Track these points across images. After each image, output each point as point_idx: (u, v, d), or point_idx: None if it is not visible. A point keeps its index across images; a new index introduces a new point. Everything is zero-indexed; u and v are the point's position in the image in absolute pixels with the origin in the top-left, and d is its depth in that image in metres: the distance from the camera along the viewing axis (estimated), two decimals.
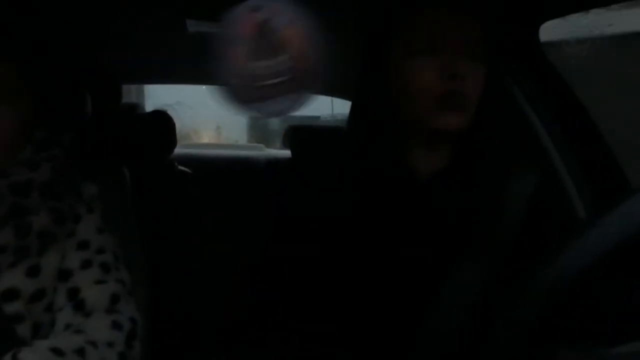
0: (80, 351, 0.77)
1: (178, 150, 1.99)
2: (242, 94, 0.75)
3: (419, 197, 0.80)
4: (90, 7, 1.24)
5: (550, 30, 1.16)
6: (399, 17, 0.81)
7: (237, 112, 0.78)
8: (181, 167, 1.94)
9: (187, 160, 2.05)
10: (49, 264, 0.83)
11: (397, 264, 0.77)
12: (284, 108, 0.75)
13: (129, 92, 3.26)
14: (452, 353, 0.72)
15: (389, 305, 0.76)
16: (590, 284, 0.66)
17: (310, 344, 0.78)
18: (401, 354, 0.74)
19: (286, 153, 2.06)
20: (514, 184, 0.80)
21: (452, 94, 0.76)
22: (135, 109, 1.90)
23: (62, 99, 1.14)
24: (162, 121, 1.86)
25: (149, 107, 2.71)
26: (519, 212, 0.78)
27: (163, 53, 1.76)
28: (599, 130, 1.18)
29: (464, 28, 0.78)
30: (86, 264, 0.86)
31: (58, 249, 0.85)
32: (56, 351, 0.76)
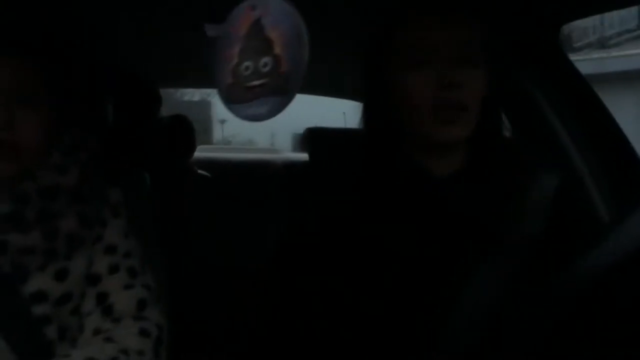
0: None
1: (197, 154, 2.01)
2: (234, 94, 0.75)
3: (436, 199, 0.79)
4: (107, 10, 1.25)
5: None
6: (391, 30, 0.81)
7: (233, 114, 0.78)
8: (201, 171, 1.95)
9: (206, 163, 2.07)
10: (77, 268, 0.85)
11: (415, 265, 0.77)
12: (260, 113, 0.75)
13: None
14: (474, 353, 0.72)
15: (410, 306, 0.76)
16: (612, 285, 0.66)
17: (328, 343, 0.78)
18: (423, 354, 0.74)
19: (304, 156, 2.07)
20: (536, 185, 0.80)
21: (448, 105, 0.76)
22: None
23: (85, 103, 1.16)
24: (182, 125, 1.88)
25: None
26: (540, 213, 0.78)
27: (177, 57, 1.78)
28: (621, 131, 1.16)
29: (457, 36, 0.77)
30: (114, 269, 0.87)
31: (85, 253, 0.86)
32: None
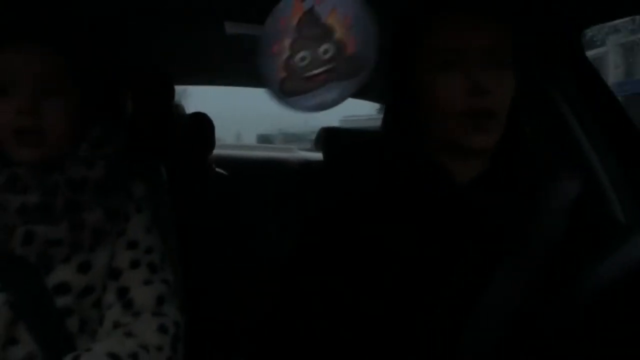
0: (134, 356, 0.80)
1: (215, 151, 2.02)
2: (290, 87, 0.75)
3: (458, 202, 0.78)
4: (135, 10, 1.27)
5: None
6: (420, 32, 0.79)
7: (289, 107, 0.77)
8: (218, 169, 1.97)
9: (223, 161, 2.08)
10: (99, 261, 0.86)
11: (434, 269, 0.76)
12: (330, 99, 0.74)
13: None
14: (480, 355, 0.71)
15: (426, 312, 0.75)
16: (630, 290, 0.65)
17: (341, 349, 0.78)
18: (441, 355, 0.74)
19: (318, 155, 2.07)
20: (557, 191, 0.79)
21: (477, 113, 0.74)
22: (176, 110, 1.94)
23: (108, 97, 1.18)
24: (203, 123, 1.89)
25: None
26: (561, 218, 0.77)
27: (202, 55, 1.79)
28: None
29: (487, 40, 0.76)
30: (135, 264, 0.89)
31: (108, 247, 0.87)
32: (114, 357, 0.79)
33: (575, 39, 1.14)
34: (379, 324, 0.76)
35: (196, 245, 1.48)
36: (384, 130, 0.86)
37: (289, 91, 0.75)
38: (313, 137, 2.53)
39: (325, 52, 0.72)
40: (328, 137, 1.82)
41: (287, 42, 0.73)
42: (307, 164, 2.37)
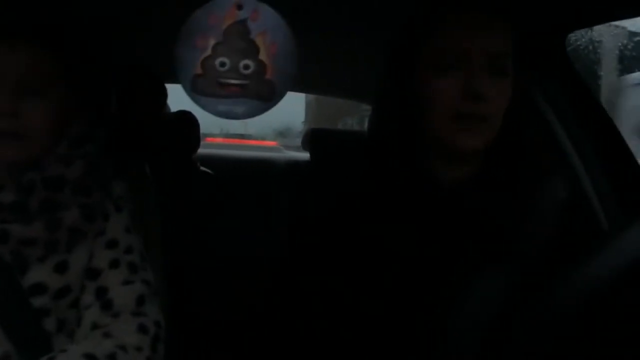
0: (112, 356, 0.79)
1: (200, 150, 2.01)
2: (202, 86, 0.75)
3: (442, 206, 0.78)
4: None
5: None
6: (423, 33, 0.79)
7: (199, 105, 0.78)
8: (203, 168, 1.95)
9: (209, 160, 2.06)
10: (77, 261, 0.85)
11: (416, 267, 0.76)
12: (236, 112, 0.75)
13: None
14: (476, 355, 0.72)
15: (412, 311, 0.75)
16: (614, 291, 0.66)
17: (330, 348, 0.78)
18: (424, 356, 0.74)
19: (305, 155, 2.07)
20: (547, 192, 0.79)
21: (471, 116, 0.75)
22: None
23: (94, 95, 1.16)
24: (187, 121, 1.88)
25: None
26: (547, 222, 0.78)
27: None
28: (623, 140, 1.17)
29: (490, 46, 0.76)
30: (114, 264, 0.87)
31: (86, 247, 0.86)
32: (90, 357, 0.77)
33: (559, 43, 1.15)
34: (378, 323, 0.76)
35: (180, 244, 1.47)
36: (372, 132, 0.86)
37: (199, 89, 0.75)
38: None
39: (246, 67, 0.73)
40: (316, 138, 1.82)
41: (211, 41, 0.74)
42: (293, 164, 2.37)
